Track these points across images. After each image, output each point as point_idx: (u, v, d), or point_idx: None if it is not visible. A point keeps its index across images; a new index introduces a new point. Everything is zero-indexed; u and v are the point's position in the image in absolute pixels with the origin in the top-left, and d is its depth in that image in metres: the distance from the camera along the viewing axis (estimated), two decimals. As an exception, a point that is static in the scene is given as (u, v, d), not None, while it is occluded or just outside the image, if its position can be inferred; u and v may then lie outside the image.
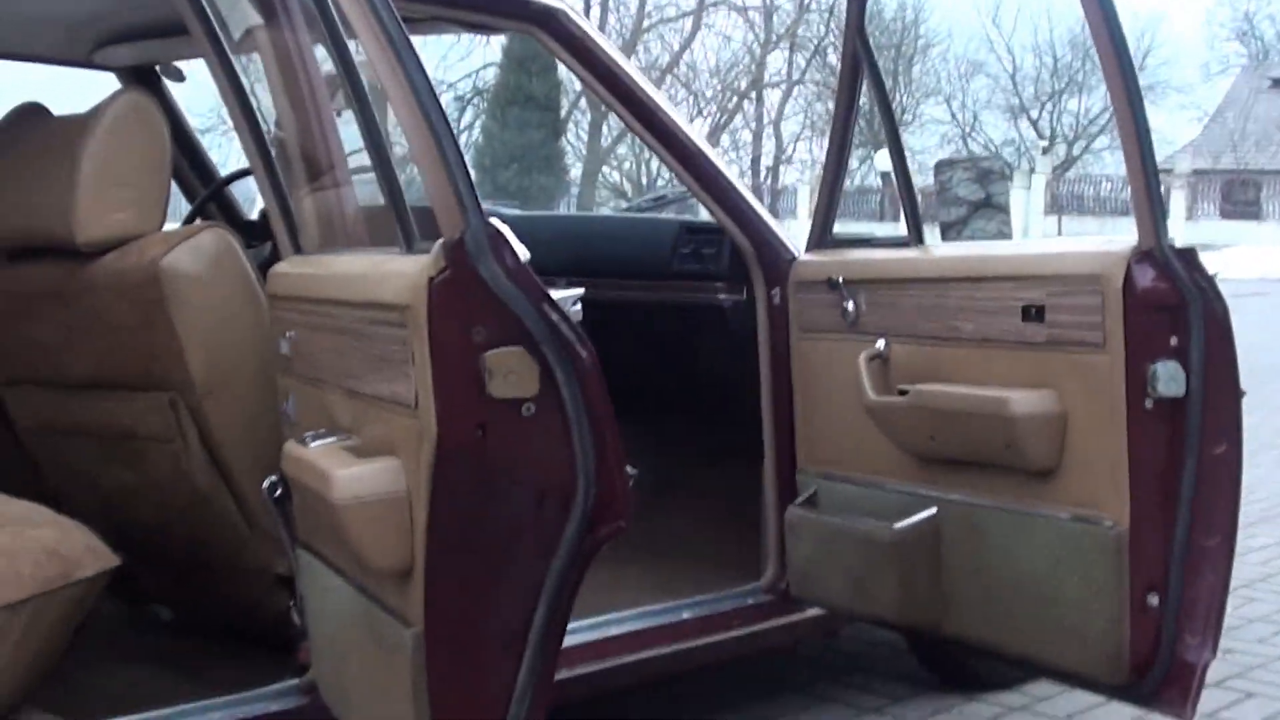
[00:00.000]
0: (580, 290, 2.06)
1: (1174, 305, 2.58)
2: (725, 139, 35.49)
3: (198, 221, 3.73)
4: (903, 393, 3.02)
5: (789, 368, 3.37)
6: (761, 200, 3.55)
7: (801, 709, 3.73)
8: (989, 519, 2.86)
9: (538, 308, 1.94)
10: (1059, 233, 26.31)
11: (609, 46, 3.29)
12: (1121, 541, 2.60)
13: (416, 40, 2.81)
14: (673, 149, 3.34)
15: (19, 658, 2.49)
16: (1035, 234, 25.54)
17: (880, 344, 3.09)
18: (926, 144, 35.83)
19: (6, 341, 3.07)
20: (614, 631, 3.16)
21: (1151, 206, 2.57)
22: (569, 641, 2.98)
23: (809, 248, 3.37)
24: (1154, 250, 2.58)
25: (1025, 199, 26.63)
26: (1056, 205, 28.54)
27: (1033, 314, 2.74)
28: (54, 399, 3.02)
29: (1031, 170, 29.97)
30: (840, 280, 3.19)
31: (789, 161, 35.55)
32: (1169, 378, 2.57)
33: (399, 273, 2.03)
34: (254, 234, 3.67)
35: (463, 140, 31.51)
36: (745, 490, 3.55)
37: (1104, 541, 2.62)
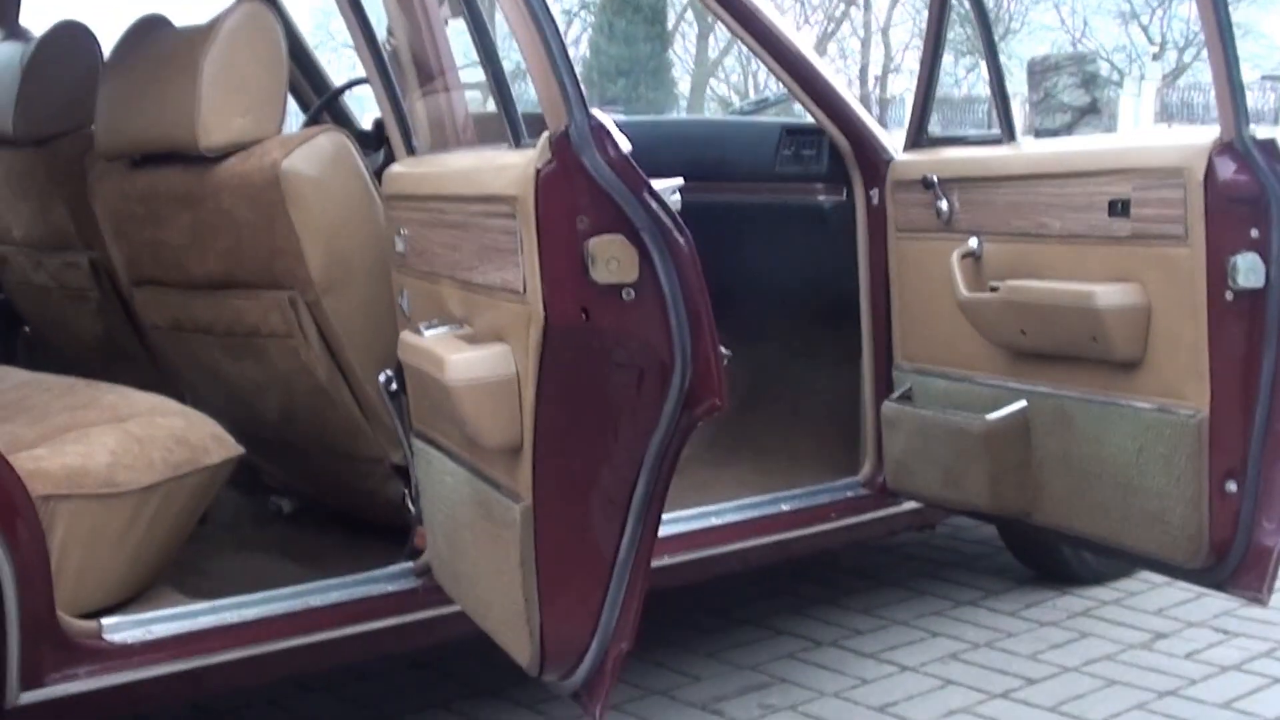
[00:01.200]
0: (679, 180, 2.15)
1: (1254, 197, 2.65)
2: (832, 47, 35.15)
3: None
4: (994, 289, 3.11)
5: (886, 266, 3.46)
6: (870, 109, 3.62)
7: (898, 601, 3.86)
8: (1076, 410, 2.95)
9: (638, 197, 2.05)
10: (1170, 142, 25.83)
11: None
12: (1202, 429, 2.69)
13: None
14: (774, 51, 3.42)
15: (152, 537, 2.67)
16: (1144, 141, 25.10)
17: (973, 242, 3.18)
18: (1036, 51, 35.24)
19: (134, 244, 3.23)
20: (715, 522, 3.29)
21: (1233, 98, 2.63)
22: (671, 531, 3.14)
23: (906, 147, 3.45)
24: (1234, 142, 2.64)
25: (1135, 106, 26.19)
26: (1167, 113, 28.06)
27: (1118, 208, 2.81)
28: (181, 298, 3.18)
29: (1142, 77, 29.48)
30: (934, 179, 3.27)
31: (897, 70, 35.19)
32: (1249, 269, 2.64)
33: (507, 165, 2.15)
34: (367, 143, 3.81)
35: (570, 55, 31.41)
36: (845, 387, 3.66)
37: (1185, 430, 2.71)
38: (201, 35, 2.93)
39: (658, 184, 2.09)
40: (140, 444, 2.67)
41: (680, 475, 3.53)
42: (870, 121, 3.51)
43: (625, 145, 2.05)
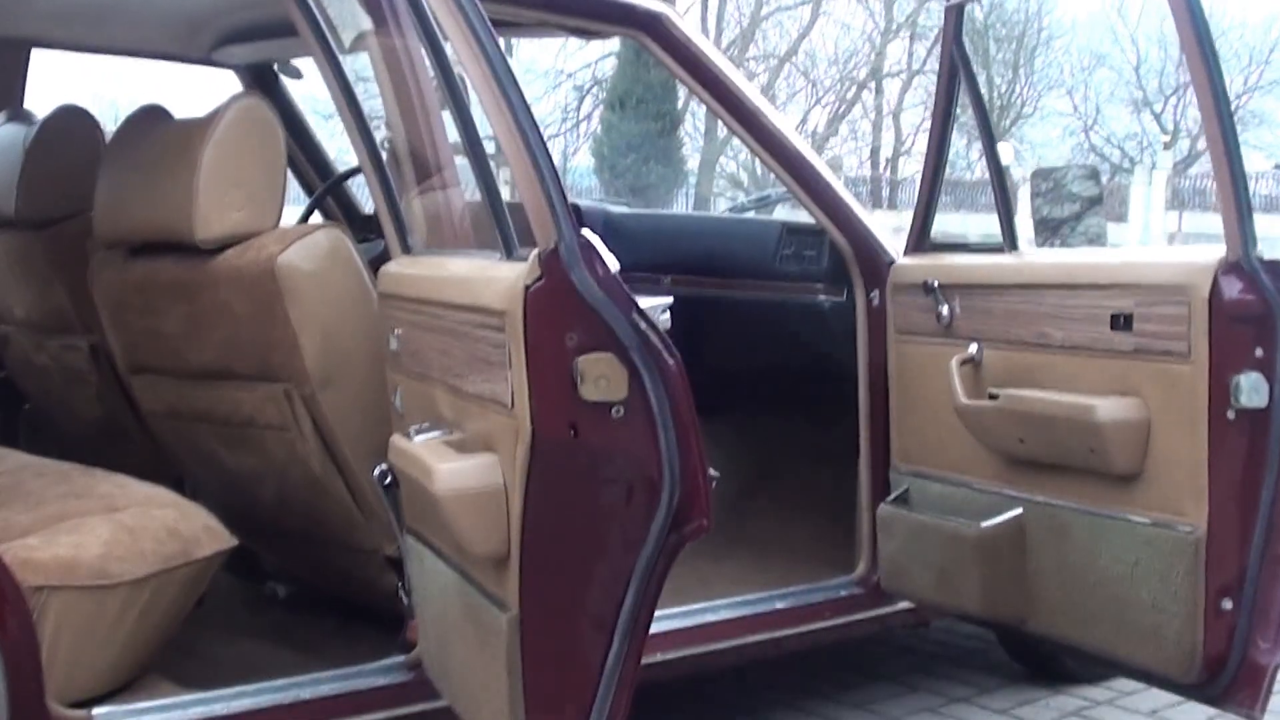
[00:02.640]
0: (668, 299, 2.15)
1: (1259, 316, 2.64)
2: (844, 129, 35.34)
3: (313, 219, 3.88)
4: (993, 397, 3.10)
5: (885, 368, 3.46)
6: (881, 190, 3.64)
7: (891, 696, 3.83)
8: (1072, 520, 2.93)
9: (627, 316, 2.04)
10: (1179, 229, 25.92)
11: (712, 51, 3.40)
12: (1199, 546, 2.67)
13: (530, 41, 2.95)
14: (775, 152, 3.44)
15: (144, 627, 2.65)
16: (1156, 230, 25.16)
17: (973, 348, 3.18)
18: (1048, 136, 35.42)
19: (132, 332, 3.24)
20: (710, 619, 3.29)
21: (1239, 216, 2.62)
22: (668, 626, 3.13)
23: (907, 251, 3.45)
24: (1241, 261, 2.64)
25: (1146, 194, 26.28)
26: (1178, 200, 28.15)
27: (1121, 322, 2.81)
28: (178, 387, 3.18)
29: (1154, 166, 29.62)
30: (935, 285, 3.28)
31: (908, 153, 35.36)
32: (1251, 389, 2.62)
33: (497, 278, 2.15)
34: (370, 228, 3.82)
35: (581, 130, 31.56)
36: (843, 485, 3.65)
37: (1182, 546, 2.69)
38: (200, 128, 2.95)
39: (646, 302, 2.08)
40: (133, 535, 2.66)
41: (679, 566, 3.56)
42: (871, 223, 3.52)
43: (614, 264, 2.05)
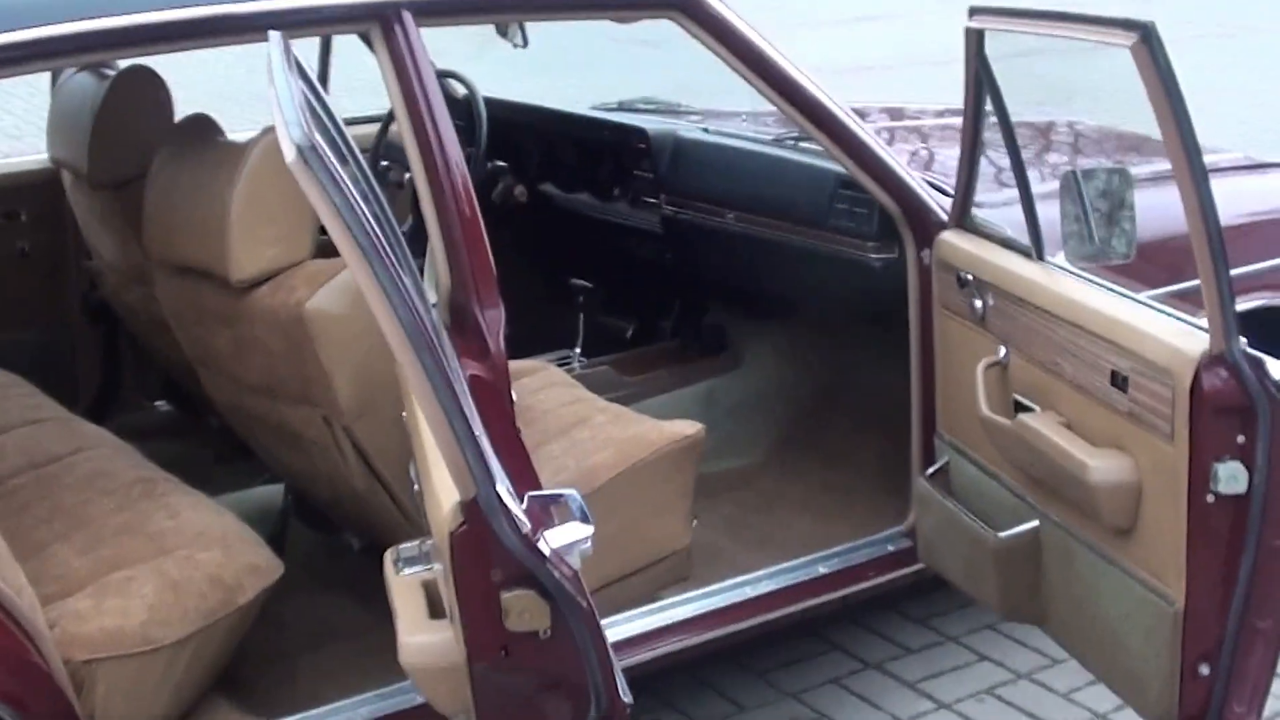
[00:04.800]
0: (588, 529, 2.23)
1: (1241, 408, 2.62)
2: None
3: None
4: (1018, 404, 3.13)
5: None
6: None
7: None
8: (1078, 551, 2.99)
9: (543, 566, 2.14)
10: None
11: (749, 27, 3.33)
12: (1178, 619, 2.72)
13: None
14: (818, 121, 3.40)
15: (191, 675, 2.93)
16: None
17: (1001, 351, 3.18)
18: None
19: (190, 335, 3.43)
20: (749, 593, 3.50)
21: (1223, 310, 2.57)
22: (704, 608, 3.33)
23: (951, 223, 3.42)
24: (1224, 354, 2.60)
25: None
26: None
27: (1119, 381, 2.80)
28: (235, 388, 3.38)
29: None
30: (970, 278, 3.27)
31: None
32: (1230, 477, 2.63)
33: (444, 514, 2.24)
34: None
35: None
36: (900, 432, 3.73)
37: (1163, 613, 2.75)
38: (231, 163, 3.04)
39: (560, 541, 2.17)
40: (176, 592, 2.90)
41: (740, 530, 3.73)
42: (919, 183, 3.49)
43: (526, 526, 2.13)
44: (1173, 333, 2.72)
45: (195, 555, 3.00)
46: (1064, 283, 3.03)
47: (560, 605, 2.14)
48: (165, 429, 4.38)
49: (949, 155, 3.63)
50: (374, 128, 4.54)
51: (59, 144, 3.98)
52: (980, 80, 3.08)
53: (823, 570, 3.56)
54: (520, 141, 4.53)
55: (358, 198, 2.07)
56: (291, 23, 2.91)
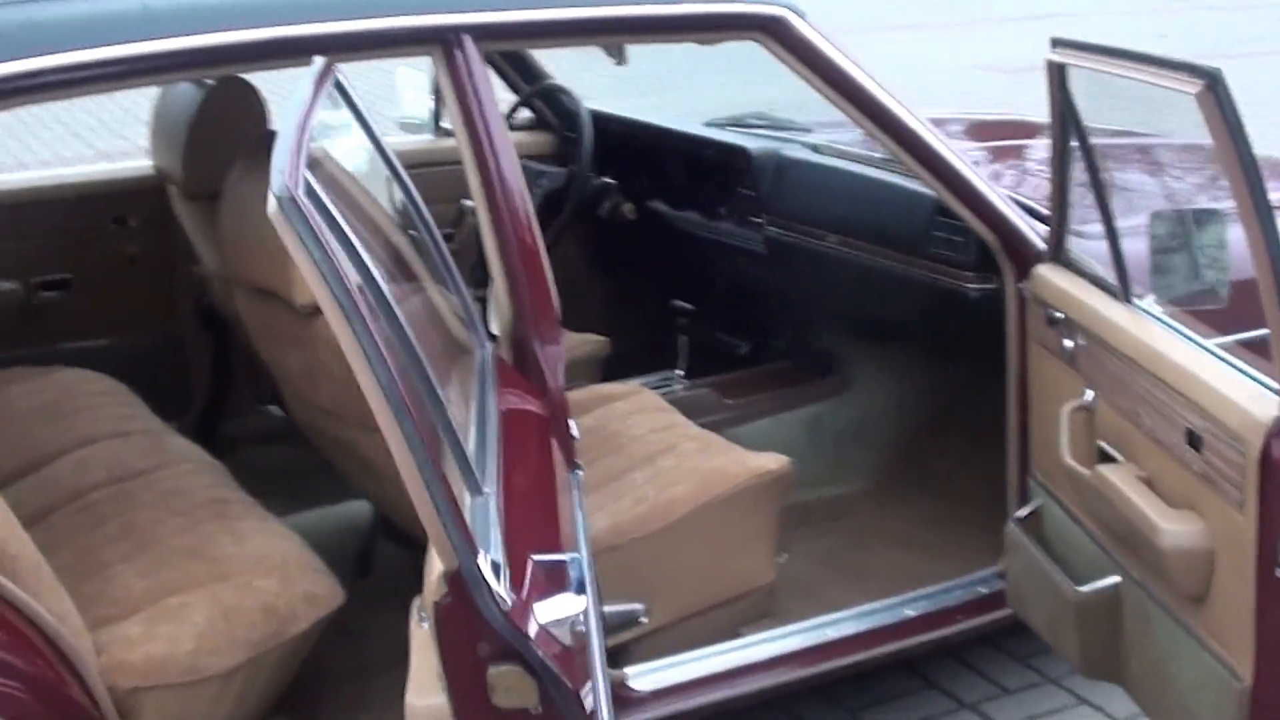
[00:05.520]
0: (581, 605, 2.15)
1: None
2: None
3: None
4: (1103, 453, 2.97)
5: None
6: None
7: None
8: (1154, 613, 2.83)
9: (526, 644, 2.07)
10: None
11: (838, 48, 3.22)
12: (1244, 698, 2.56)
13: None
14: (909, 147, 3.29)
15: (243, 705, 2.92)
16: None
17: (1088, 395, 3.03)
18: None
19: (267, 350, 3.44)
20: (831, 635, 3.40)
21: None
22: (788, 647, 3.26)
23: (1047, 257, 3.27)
24: (1296, 420, 2.43)
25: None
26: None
27: (1193, 440, 2.64)
28: (308, 410, 3.39)
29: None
30: (1060, 317, 3.12)
31: None
32: (1302, 550, 2.45)
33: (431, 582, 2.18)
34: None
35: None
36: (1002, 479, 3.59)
37: (1231, 690, 2.59)
38: None
39: (549, 616, 2.10)
40: (228, 620, 2.90)
41: (834, 564, 3.63)
42: (1017, 212, 3.34)
43: (507, 603, 2.06)
44: (1247, 394, 2.53)
45: (253, 582, 3.00)
46: (1145, 328, 2.86)
47: (545, 684, 2.07)
48: (275, 434, 4.40)
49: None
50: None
51: (160, 152, 4.02)
52: (1064, 114, 2.92)
53: (909, 613, 3.45)
54: (630, 157, 4.47)
55: (345, 247, 2.03)
56: (352, 46, 2.89)
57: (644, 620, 3.21)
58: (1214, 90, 2.30)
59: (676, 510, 3.26)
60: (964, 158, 3.33)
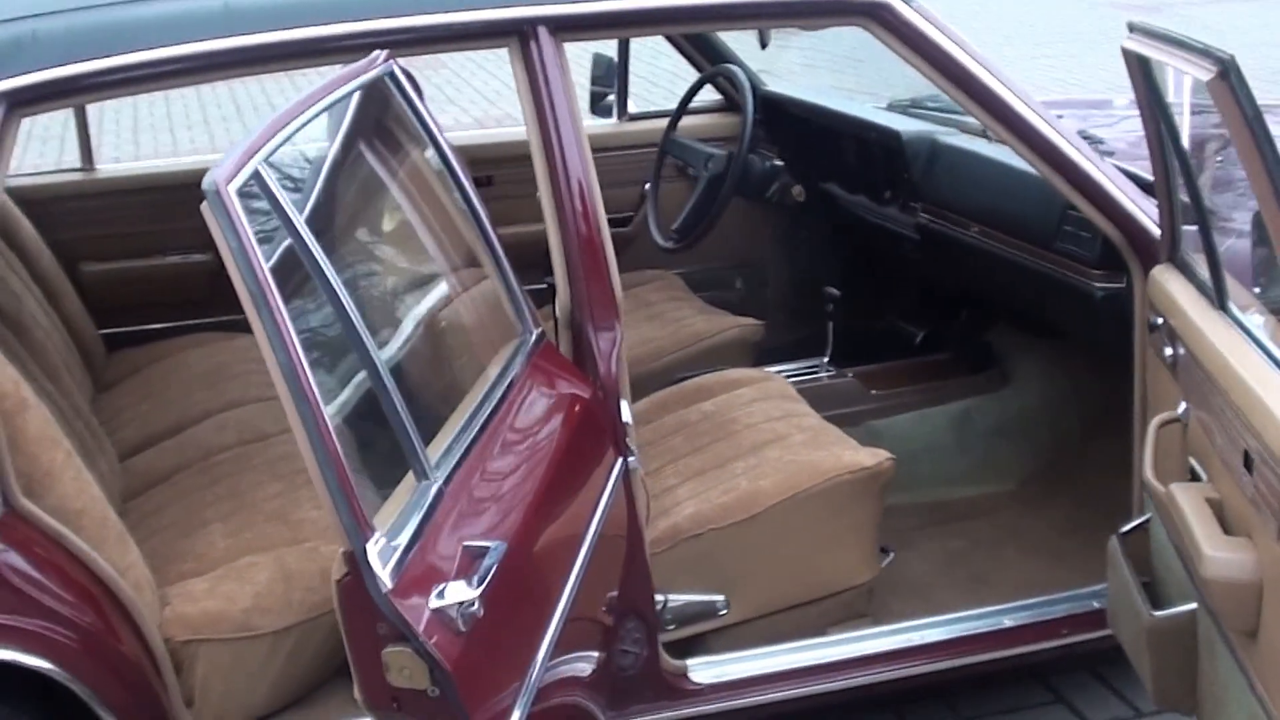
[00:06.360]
0: (472, 594, 2.13)
1: None
2: None
3: None
4: (1192, 472, 2.78)
5: None
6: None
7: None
8: (1217, 644, 2.63)
9: (409, 629, 2.07)
10: None
11: (944, 31, 3.08)
12: None
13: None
14: (1022, 135, 3.12)
15: (294, 667, 3.02)
16: None
17: (1181, 408, 2.83)
18: None
19: None
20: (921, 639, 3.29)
21: None
22: (875, 648, 3.21)
23: (1164, 257, 3.06)
24: (1337, 446, 2.21)
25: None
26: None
27: (1248, 461, 2.43)
28: None
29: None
30: (1161, 323, 2.92)
31: None
32: (1342, 591, 2.24)
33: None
34: None
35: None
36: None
37: (1270, 738, 2.38)
38: None
39: (441, 602, 2.09)
40: (287, 582, 2.99)
41: (959, 566, 3.51)
42: (1144, 206, 3.14)
43: (386, 585, 2.07)
44: None
45: (321, 548, 3.09)
46: (1227, 338, 2.64)
47: (432, 670, 2.07)
48: None
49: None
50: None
51: None
52: (1152, 103, 2.72)
53: (1007, 623, 3.29)
54: (803, 140, 4.38)
55: (294, 237, 2.08)
56: (427, 40, 2.92)
57: (722, 612, 3.17)
58: (1227, 79, 2.11)
59: (761, 502, 3.20)
60: (1085, 147, 3.13)
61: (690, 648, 3.21)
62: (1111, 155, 3.37)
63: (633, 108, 4.79)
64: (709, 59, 4.57)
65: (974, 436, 4.03)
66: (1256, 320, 2.69)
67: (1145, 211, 3.13)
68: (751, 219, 4.53)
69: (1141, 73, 2.68)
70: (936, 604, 3.40)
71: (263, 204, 2.12)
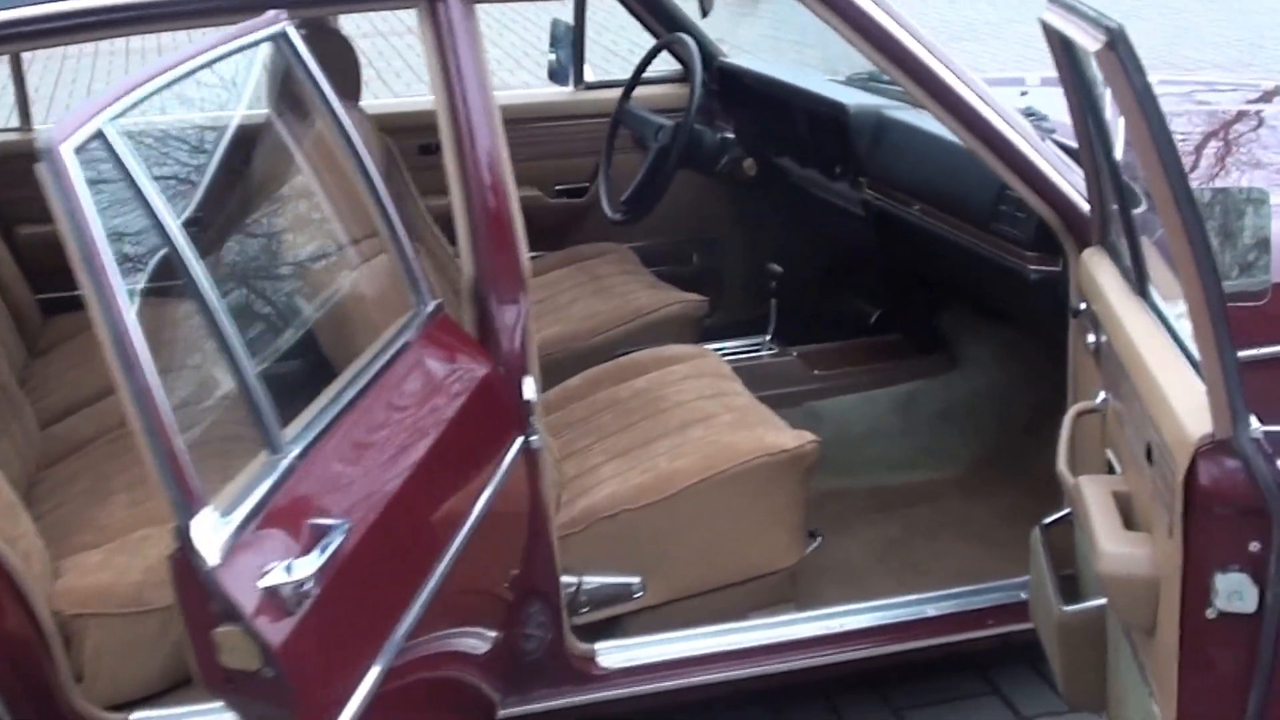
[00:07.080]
0: (306, 572, 2.06)
1: (1248, 509, 2.10)
2: None
3: None
4: (1109, 464, 2.68)
5: None
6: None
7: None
8: (1122, 642, 2.54)
9: (230, 604, 2.00)
10: None
11: (876, 3, 2.97)
12: None
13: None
14: (954, 110, 3.01)
15: (184, 649, 2.92)
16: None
17: (1100, 397, 2.73)
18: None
19: None
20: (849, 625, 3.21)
21: (1227, 389, 2.06)
22: (800, 634, 3.12)
23: (1094, 239, 2.96)
24: (1230, 441, 2.09)
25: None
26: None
27: (1148, 455, 2.33)
28: None
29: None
30: (1081, 307, 2.82)
31: None
32: (1232, 592, 2.12)
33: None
34: None
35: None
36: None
37: (1158, 740, 2.29)
38: None
39: (270, 581, 2.02)
40: None
41: (895, 554, 3.42)
42: (1080, 189, 3.02)
43: (213, 559, 1.99)
44: (1189, 407, 2.20)
45: None
46: (1141, 325, 2.53)
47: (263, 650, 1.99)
48: None
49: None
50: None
51: None
52: (1074, 79, 2.61)
53: (930, 612, 3.20)
54: (757, 112, 4.28)
55: (140, 201, 2.00)
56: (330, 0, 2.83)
57: (638, 595, 3.09)
58: (1115, 49, 1.99)
59: (677, 483, 3.11)
60: (1021, 123, 3.02)
61: (611, 632, 3.13)
62: (1053, 134, 3.25)
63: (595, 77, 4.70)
64: (667, 28, 4.46)
65: (919, 420, 3.93)
66: (1176, 309, 2.58)
67: (1082, 193, 3.02)
68: (708, 193, 4.43)
69: (1062, 48, 2.57)
70: (869, 591, 3.31)
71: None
